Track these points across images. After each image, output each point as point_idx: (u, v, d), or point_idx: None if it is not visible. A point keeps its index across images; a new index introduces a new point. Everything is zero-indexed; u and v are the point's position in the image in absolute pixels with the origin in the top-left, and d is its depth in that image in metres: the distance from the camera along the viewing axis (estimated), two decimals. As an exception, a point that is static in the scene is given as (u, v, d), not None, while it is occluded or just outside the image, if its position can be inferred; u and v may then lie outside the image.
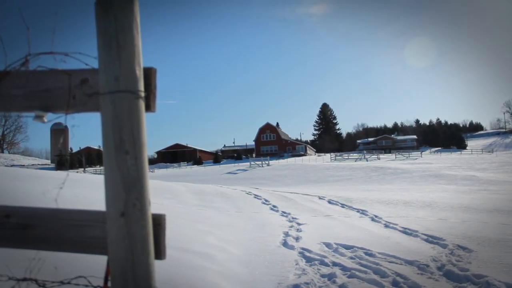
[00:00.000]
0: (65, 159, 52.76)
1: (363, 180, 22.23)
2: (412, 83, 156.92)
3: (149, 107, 0.95)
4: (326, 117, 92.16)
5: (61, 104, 0.98)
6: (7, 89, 1.01)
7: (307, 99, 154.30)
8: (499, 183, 16.21)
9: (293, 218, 7.03)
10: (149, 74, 0.96)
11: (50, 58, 0.97)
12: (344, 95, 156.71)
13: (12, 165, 51.14)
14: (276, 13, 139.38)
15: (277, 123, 74.80)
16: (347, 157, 51.52)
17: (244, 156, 64.13)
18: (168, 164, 61.88)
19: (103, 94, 0.89)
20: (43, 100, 1.00)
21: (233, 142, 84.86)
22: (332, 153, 58.76)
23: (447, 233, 5.34)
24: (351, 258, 4.19)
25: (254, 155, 66.58)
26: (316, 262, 4.02)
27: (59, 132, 59.72)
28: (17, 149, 75.21)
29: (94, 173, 40.20)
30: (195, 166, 56.41)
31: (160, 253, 0.95)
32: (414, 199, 9.93)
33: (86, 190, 6.50)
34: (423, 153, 55.40)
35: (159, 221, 0.96)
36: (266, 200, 9.99)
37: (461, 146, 75.46)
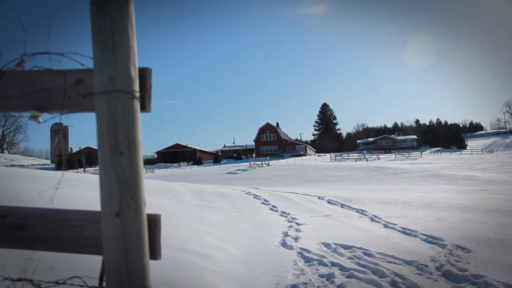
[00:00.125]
0: (65, 159, 52.75)
1: (363, 180, 22.23)
2: (412, 83, 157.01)
3: (144, 107, 0.95)
4: (326, 117, 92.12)
5: (57, 104, 0.98)
6: (3, 89, 1.02)
7: (307, 99, 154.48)
8: (499, 183, 16.21)
9: (292, 218, 7.03)
10: (144, 74, 0.96)
11: (45, 58, 0.97)
12: (344, 95, 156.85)
13: (12, 165, 51.17)
14: (276, 13, 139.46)
15: (277, 123, 74.86)
16: (347, 157, 51.51)
17: (244, 156, 64.09)
18: (168, 164, 61.88)
19: (98, 94, 0.89)
20: (39, 100, 1.00)
21: (233, 142, 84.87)
22: (332, 153, 58.73)
23: (446, 233, 5.34)
24: (350, 258, 4.19)
25: (254, 155, 66.54)
26: (315, 262, 4.02)
27: (59, 132, 59.69)
28: (17, 149, 75.38)
29: (94, 173, 40.18)
30: (195, 166, 56.38)
31: (155, 253, 0.95)
32: (413, 199, 9.93)
33: (85, 190, 6.50)
34: (423, 153, 55.39)
35: (154, 221, 0.96)
36: (265, 200, 9.99)
37: (461, 146, 75.46)
